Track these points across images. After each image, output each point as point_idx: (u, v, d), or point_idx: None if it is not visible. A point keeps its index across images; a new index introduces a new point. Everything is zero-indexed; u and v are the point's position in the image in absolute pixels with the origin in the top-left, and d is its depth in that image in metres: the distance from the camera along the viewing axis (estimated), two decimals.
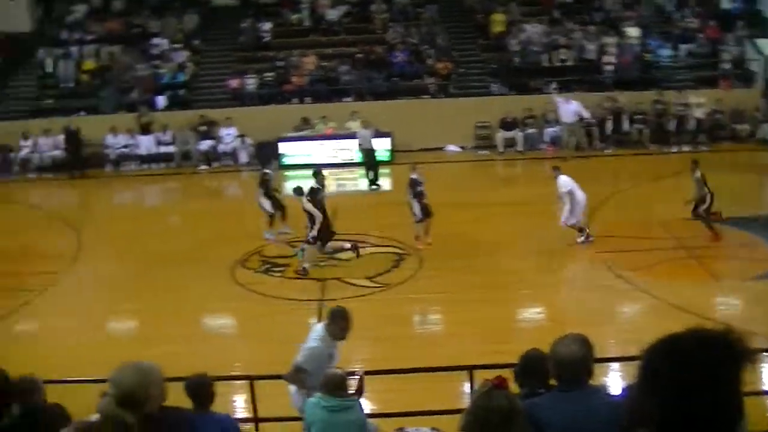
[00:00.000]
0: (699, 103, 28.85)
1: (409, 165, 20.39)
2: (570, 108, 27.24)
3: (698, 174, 19.40)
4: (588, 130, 28.41)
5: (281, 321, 15.81)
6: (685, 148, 28.21)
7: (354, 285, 17.50)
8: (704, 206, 19.18)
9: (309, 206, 18.01)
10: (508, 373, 6.82)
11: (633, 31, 30.77)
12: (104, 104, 29.20)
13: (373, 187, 24.75)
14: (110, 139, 27.83)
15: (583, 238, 19.20)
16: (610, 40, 30.52)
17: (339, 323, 9.46)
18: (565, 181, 18.97)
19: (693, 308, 15.24)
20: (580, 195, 19.09)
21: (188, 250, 19.99)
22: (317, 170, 19.71)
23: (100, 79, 29.79)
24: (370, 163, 25.47)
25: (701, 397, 2.41)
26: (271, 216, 20.16)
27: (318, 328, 9.69)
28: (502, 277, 17.80)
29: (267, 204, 20.09)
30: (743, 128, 29.24)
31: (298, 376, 9.37)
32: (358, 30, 31.85)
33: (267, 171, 20.57)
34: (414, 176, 19.52)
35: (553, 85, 28.31)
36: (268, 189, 20.19)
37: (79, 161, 27.44)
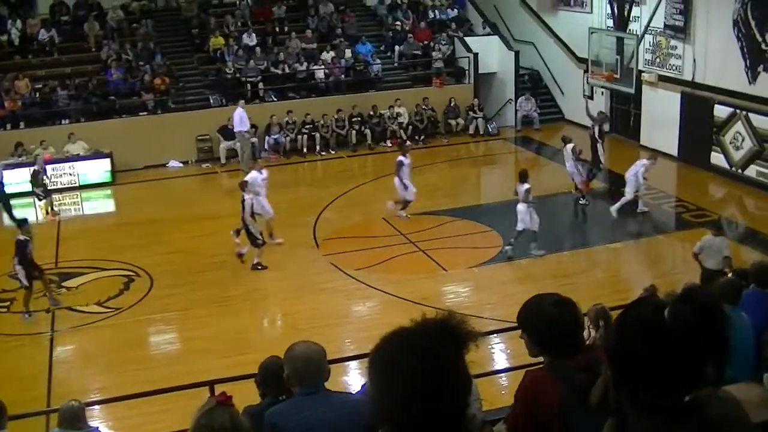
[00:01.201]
0: (399, 113, 30.28)
1: None
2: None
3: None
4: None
5: (12, 358, 15.48)
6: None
7: (84, 312, 17.32)
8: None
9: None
10: (250, 385, 7.15)
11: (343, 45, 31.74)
12: None
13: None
14: None
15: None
16: (326, 55, 31.38)
17: None
18: None
19: (425, 300, 16.09)
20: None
21: None
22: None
23: None
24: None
25: (433, 382, 2.50)
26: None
27: None
28: (237, 289, 18.10)
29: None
30: (457, 122, 30.91)
31: None
32: (72, 49, 31.10)
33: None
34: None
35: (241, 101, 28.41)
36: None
37: None
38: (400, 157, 21.35)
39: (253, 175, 20.37)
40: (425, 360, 2.52)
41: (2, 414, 8.14)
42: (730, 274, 12.71)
